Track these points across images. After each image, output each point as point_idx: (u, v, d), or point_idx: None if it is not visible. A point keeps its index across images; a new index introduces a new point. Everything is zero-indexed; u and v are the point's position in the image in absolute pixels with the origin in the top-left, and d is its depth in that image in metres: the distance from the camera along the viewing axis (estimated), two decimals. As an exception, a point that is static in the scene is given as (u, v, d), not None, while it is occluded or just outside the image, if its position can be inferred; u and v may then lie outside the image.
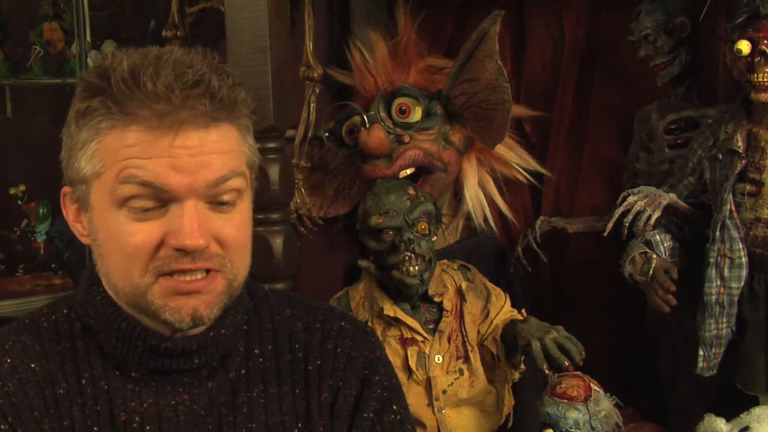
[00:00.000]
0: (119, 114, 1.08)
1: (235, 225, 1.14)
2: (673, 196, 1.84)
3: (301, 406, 1.22)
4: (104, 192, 1.10)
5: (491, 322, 1.89)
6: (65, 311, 1.20)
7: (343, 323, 1.28)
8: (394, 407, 1.25)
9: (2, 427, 1.11)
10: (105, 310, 1.16)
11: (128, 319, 1.15)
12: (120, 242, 1.10)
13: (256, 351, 1.23)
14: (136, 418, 1.14)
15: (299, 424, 1.21)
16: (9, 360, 1.15)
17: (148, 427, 1.14)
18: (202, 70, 1.09)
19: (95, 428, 1.13)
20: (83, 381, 1.15)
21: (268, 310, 1.27)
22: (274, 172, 1.69)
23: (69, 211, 1.19)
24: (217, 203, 1.11)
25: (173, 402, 1.16)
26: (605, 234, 1.85)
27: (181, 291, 1.10)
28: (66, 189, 1.18)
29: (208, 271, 1.11)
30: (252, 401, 1.20)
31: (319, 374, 1.24)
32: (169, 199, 1.09)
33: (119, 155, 1.08)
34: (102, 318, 1.17)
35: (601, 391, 1.77)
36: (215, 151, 1.10)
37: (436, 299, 1.88)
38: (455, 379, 1.85)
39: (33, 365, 1.15)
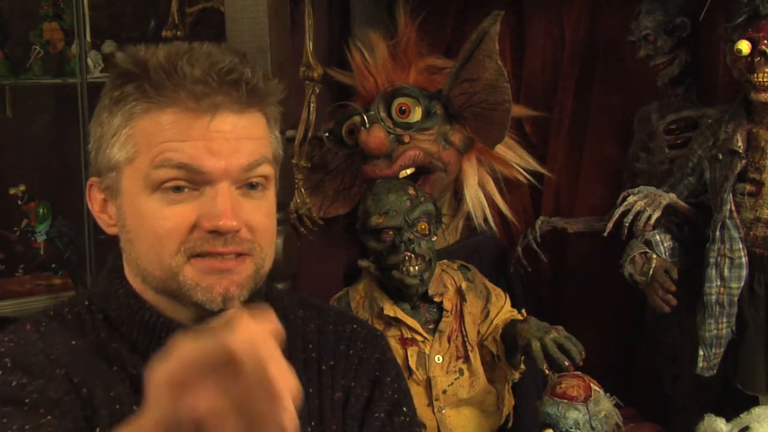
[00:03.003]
0: (156, 97, 1.09)
1: (264, 212, 1.16)
2: (673, 196, 1.84)
3: (314, 405, 1.23)
4: (137, 177, 1.11)
5: (491, 322, 1.89)
6: (86, 303, 1.21)
7: (354, 326, 1.31)
8: (404, 409, 1.27)
9: (59, 371, 1.12)
10: (127, 302, 1.17)
11: (151, 310, 1.16)
12: (152, 226, 1.11)
13: None
14: None
15: (312, 423, 1.22)
16: (49, 337, 1.16)
17: None
18: (234, 61, 1.11)
19: (134, 407, 1.13)
20: (115, 367, 1.16)
21: (281, 310, 1.28)
22: (274, 172, 1.69)
23: (95, 202, 1.19)
24: (247, 186, 1.13)
25: None
26: (605, 234, 1.85)
27: (214, 269, 1.11)
28: (93, 179, 1.19)
29: (238, 255, 1.13)
30: None
31: (332, 374, 1.25)
32: (202, 182, 1.10)
33: (154, 139, 1.10)
34: (124, 310, 1.17)
35: (601, 391, 1.77)
36: (246, 136, 1.12)
37: (436, 299, 1.89)
38: (455, 379, 1.85)
39: (73, 342, 1.16)
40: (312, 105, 2.07)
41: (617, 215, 1.83)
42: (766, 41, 1.67)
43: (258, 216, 1.14)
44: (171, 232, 1.10)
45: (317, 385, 1.24)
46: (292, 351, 1.25)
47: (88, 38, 2.84)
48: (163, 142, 1.09)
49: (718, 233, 1.76)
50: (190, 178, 1.10)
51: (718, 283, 1.77)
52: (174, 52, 1.11)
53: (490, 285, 1.96)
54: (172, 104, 1.09)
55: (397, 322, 1.87)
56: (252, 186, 1.14)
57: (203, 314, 1.15)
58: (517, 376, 1.89)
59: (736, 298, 1.77)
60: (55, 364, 1.13)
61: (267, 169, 1.15)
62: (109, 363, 1.16)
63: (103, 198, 1.18)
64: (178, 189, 1.10)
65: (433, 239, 1.87)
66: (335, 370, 1.25)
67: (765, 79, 1.68)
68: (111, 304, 1.19)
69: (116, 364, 1.16)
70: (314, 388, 1.23)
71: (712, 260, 1.77)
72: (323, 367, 1.25)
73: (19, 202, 2.92)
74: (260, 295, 1.23)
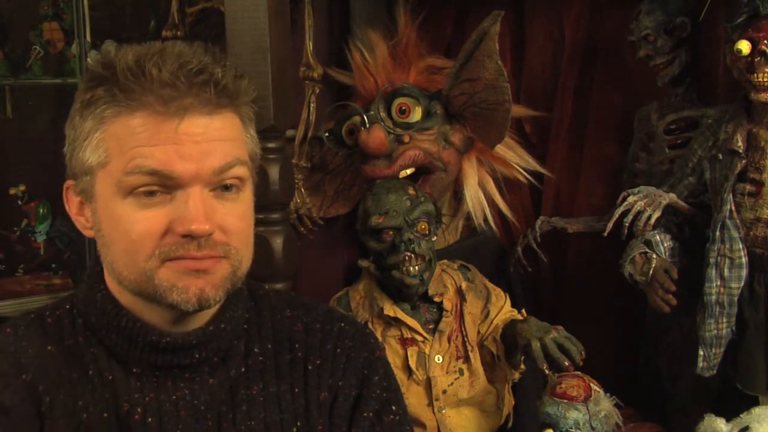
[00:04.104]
0: (125, 101, 1.09)
1: (239, 214, 1.15)
2: (673, 196, 1.84)
3: (300, 405, 1.23)
4: (110, 182, 1.11)
5: (491, 322, 1.89)
6: (68, 307, 1.22)
7: (342, 324, 1.29)
8: (393, 408, 1.26)
9: (24, 377, 1.13)
10: (105, 307, 1.17)
11: (128, 316, 1.16)
12: (125, 230, 1.11)
13: (256, 350, 1.24)
14: (138, 410, 1.16)
15: (298, 423, 1.22)
16: (24, 342, 1.17)
17: (149, 419, 1.16)
18: (205, 61, 1.11)
19: (105, 414, 1.15)
20: (90, 372, 1.17)
21: (268, 310, 1.28)
22: (274, 172, 1.69)
23: (72, 205, 1.19)
24: (221, 188, 1.13)
25: (174, 397, 1.17)
26: (605, 234, 1.85)
27: (189, 270, 1.11)
28: (69, 182, 1.19)
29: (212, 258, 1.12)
30: (251, 399, 1.20)
31: (319, 374, 1.25)
32: (174, 186, 1.10)
33: (125, 145, 1.09)
34: (102, 315, 1.18)
35: (601, 391, 1.77)
36: (219, 138, 1.12)
37: (436, 299, 1.89)
38: (455, 379, 1.85)
39: (49, 347, 1.17)
40: (312, 105, 2.08)
41: (617, 215, 1.83)
42: (766, 41, 1.67)
43: (232, 218, 1.13)
44: (143, 237, 1.10)
45: (303, 385, 1.23)
46: (278, 351, 1.25)
47: (88, 38, 2.84)
48: (134, 148, 1.09)
49: (718, 233, 1.76)
50: (162, 183, 1.09)
51: (718, 283, 1.77)
52: (143, 54, 1.10)
53: (490, 285, 1.96)
54: (141, 108, 1.08)
55: (397, 322, 1.87)
56: (226, 188, 1.13)
57: (179, 315, 1.16)
58: (517, 376, 1.89)
59: (736, 298, 1.77)
60: (22, 369, 1.14)
61: (241, 171, 1.14)
62: (84, 368, 1.17)
63: (80, 201, 1.18)
64: (150, 194, 1.10)
65: (433, 239, 1.87)
66: (322, 369, 1.25)
67: (765, 79, 1.68)
68: (90, 309, 1.19)
69: (92, 369, 1.17)
70: (300, 388, 1.23)
71: (712, 260, 1.77)
72: (309, 367, 1.24)
73: (19, 202, 2.92)
74: (240, 295, 1.22)
